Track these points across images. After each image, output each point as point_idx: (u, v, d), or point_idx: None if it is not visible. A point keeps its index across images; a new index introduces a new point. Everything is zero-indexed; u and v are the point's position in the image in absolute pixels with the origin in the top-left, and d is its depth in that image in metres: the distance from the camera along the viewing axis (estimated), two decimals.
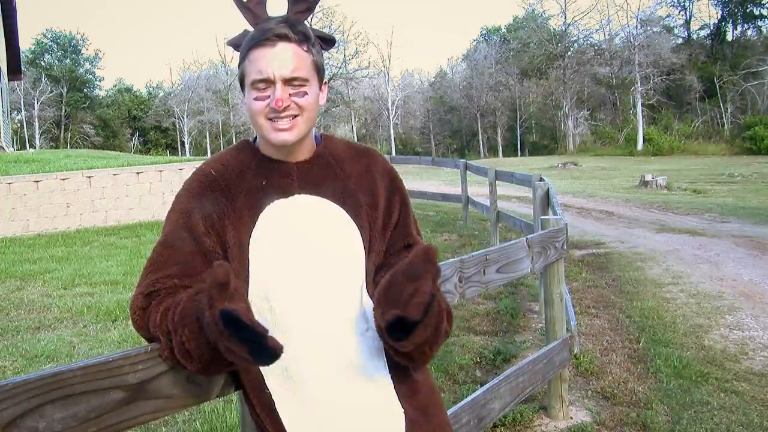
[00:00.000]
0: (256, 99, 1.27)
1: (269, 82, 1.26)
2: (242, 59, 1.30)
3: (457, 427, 2.30)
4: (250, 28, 1.34)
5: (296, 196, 1.33)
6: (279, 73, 1.25)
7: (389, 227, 1.40)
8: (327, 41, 1.39)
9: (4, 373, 4.27)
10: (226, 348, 1.05)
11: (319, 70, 1.33)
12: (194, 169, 1.41)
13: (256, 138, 1.41)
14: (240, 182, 1.34)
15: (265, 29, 1.27)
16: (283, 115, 1.27)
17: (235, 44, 1.37)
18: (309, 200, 1.34)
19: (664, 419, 3.29)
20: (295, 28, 1.28)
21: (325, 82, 1.38)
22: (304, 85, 1.28)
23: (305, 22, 1.34)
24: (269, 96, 1.26)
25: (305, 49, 1.28)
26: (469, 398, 2.48)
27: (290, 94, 1.27)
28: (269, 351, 1.02)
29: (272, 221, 1.31)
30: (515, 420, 3.30)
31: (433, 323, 1.15)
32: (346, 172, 1.39)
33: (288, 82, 1.26)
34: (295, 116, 1.28)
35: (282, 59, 1.25)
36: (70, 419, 1.12)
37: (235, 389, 1.40)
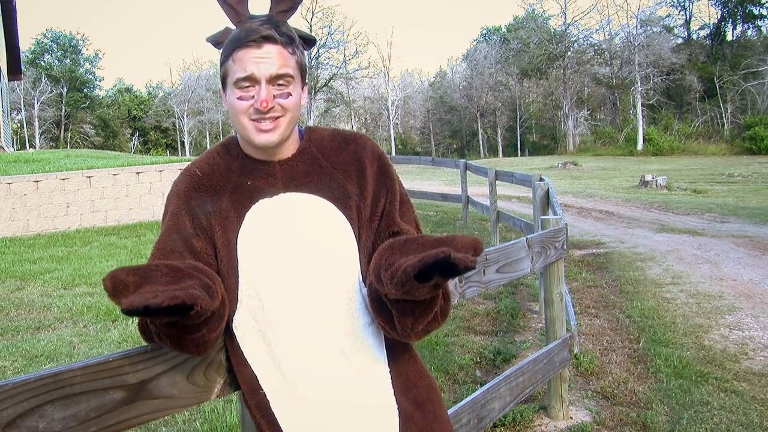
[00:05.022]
0: (239, 98, 1.27)
1: (254, 81, 1.25)
2: (225, 58, 1.29)
3: (457, 427, 2.30)
4: (231, 26, 1.34)
5: (282, 195, 1.32)
6: (264, 73, 1.24)
7: (376, 216, 1.36)
8: (307, 41, 1.39)
9: (4, 373, 4.27)
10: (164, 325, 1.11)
11: (303, 70, 1.33)
12: (181, 171, 1.40)
13: None
14: (225, 182, 1.34)
15: (250, 30, 1.26)
16: (267, 116, 1.26)
17: (215, 41, 1.36)
18: (296, 198, 1.32)
19: (664, 419, 3.29)
20: (280, 30, 1.27)
21: (306, 83, 1.37)
22: (289, 84, 1.28)
23: (288, 22, 1.34)
24: (253, 96, 1.26)
25: (290, 51, 1.28)
26: (469, 398, 2.48)
27: (274, 95, 1.26)
28: (179, 309, 0.98)
29: (259, 220, 1.30)
30: (515, 420, 3.30)
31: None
32: (332, 164, 1.37)
33: (273, 80, 1.26)
34: (278, 117, 1.28)
35: (267, 59, 1.25)
36: (70, 419, 1.12)
37: (235, 389, 1.40)
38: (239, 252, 1.29)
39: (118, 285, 0.99)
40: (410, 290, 1.08)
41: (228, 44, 1.29)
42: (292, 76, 1.28)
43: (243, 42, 1.25)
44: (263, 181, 1.33)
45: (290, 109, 1.28)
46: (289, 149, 1.36)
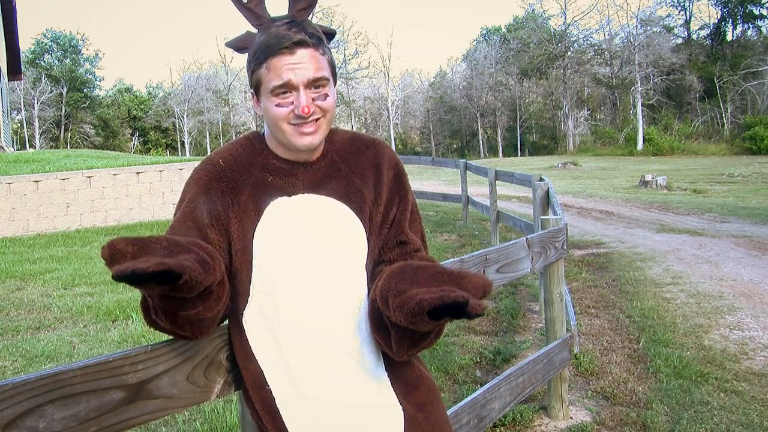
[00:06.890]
0: (278, 105, 1.26)
1: (291, 88, 1.25)
2: (257, 66, 1.28)
3: (457, 427, 2.29)
4: (252, 29, 1.33)
5: (300, 195, 1.33)
6: (301, 78, 1.25)
7: (386, 224, 1.39)
8: (329, 35, 1.39)
9: (4, 373, 4.27)
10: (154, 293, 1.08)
11: (334, 68, 1.34)
12: (202, 159, 1.40)
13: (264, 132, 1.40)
14: (247, 176, 1.33)
15: (280, 36, 1.25)
16: (308, 120, 1.27)
17: (236, 47, 1.35)
18: (313, 199, 1.33)
19: (664, 419, 3.29)
20: (308, 32, 1.27)
21: (337, 80, 1.38)
22: (325, 86, 1.28)
23: (311, 20, 1.34)
24: (292, 102, 1.26)
25: (321, 52, 1.28)
26: (469, 398, 2.47)
27: (313, 99, 1.27)
28: (166, 276, 0.96)
29: (277, 218, 1.30)
30: (515, 420, 3.30)
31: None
32: (351, 168, 1.39)
33: (310, 84, 1.26)
34: (319, 118, 1.28)
35: (302, 65, 1.25)
36: (70, 419, 1.12)
37: (235, 389, 1.40)
38: (255, 247, 1.29)
39: (115, 253, 0.98)
40: (418, 323, 1.11)
41: (259, 52, 1.27)
42: (327, 79, 1.28)
43: (275, 49, 1.25)
44: (284, 180, 1.33)
45: (329, 109, 1.29)
46: (317, 152, 1.37)
